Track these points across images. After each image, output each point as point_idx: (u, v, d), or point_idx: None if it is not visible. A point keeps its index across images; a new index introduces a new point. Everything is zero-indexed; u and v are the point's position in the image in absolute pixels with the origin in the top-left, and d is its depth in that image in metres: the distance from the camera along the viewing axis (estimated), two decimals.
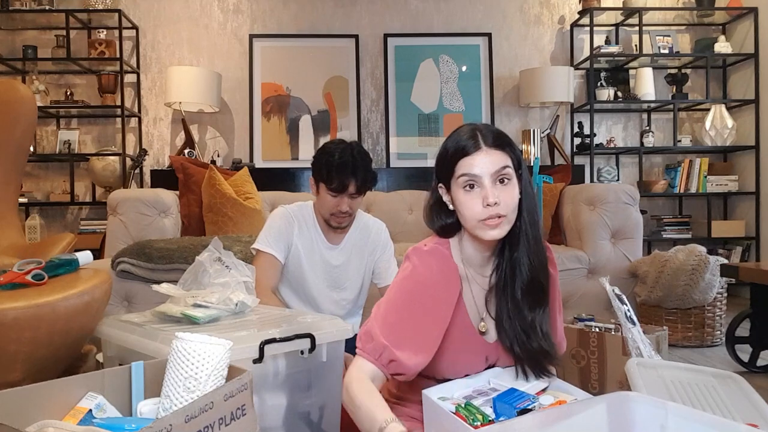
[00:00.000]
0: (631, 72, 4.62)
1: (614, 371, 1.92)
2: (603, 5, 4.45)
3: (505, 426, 0.96)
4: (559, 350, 1.30)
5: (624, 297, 1.81)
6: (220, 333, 1.26)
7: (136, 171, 4.18)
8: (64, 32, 4.21)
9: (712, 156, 4.64)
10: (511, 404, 1.06)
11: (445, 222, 1.23)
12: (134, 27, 4.41)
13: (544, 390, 1.20)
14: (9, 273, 1.54)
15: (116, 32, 4.27)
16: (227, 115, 4.49)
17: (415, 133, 4.47)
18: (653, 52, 4.43)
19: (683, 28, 4.70)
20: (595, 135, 4.38)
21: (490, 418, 1.05)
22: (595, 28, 4.37)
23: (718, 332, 2.93)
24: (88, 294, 1.51)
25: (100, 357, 1.74)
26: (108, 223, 3.01)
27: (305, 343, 1.37)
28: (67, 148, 4.30)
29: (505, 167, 1.14)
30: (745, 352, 2.54)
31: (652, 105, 4.54)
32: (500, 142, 1.16)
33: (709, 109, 4.49)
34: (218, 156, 4.28)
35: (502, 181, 1.14)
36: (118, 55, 4.22)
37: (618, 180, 4.46)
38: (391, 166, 4.38)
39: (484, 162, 1.14)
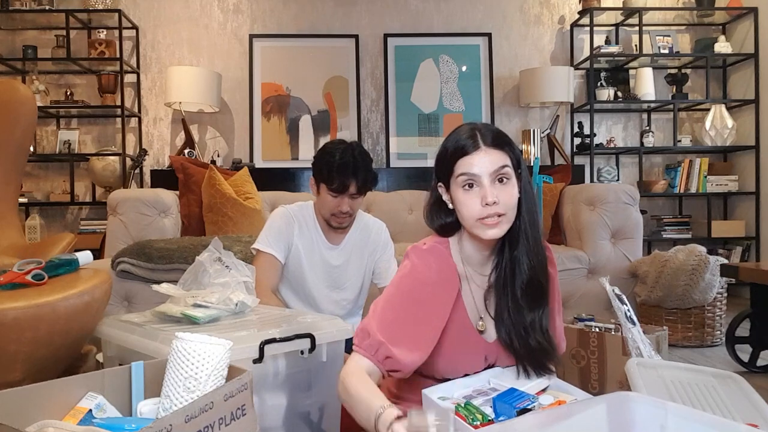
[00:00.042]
0: (631, 72, 4.62)
1: (614, 371, 1.92)
2: (603, 5, 4.45)
3: (505, 426, 0.96)
4: (559, 350, 1.30)
5: (624, 297, 1.81)
6: (220, 333, 1.26)
7: (136, 171, 4.18)
8: (64, 32, 4.21)
9: (712, 156, 4.64)
10: (511, 404, 1.06)
11: (445, 221, 1.24)
12: (134, 27, 4.41)
13: (544, 390, 1.20)
14: (9, 273, 1.54)
15: (116, 32, 4.27)
16: (227, 115, 4.49)
17: (415, 133, 4.47)
18: (653, 52, 4.43)
19: (683, 28, 4.70)
20: (595, 135, 4.38)
21: (489, 418, 1.05)
22: (595, 28, 4.37)
23: (718, 332, 2.93)
24: (88, 294, 1.51)
25: (100, 357, 1.74)
26: (108, 223, 3.01)
27: (305, 343, 1.37)
28: (67, 148, 4.30)
29: (503, 166, 1.15)
30: (745, 352, 2.54)
31: (652, 105, 4.54)
32: (499, 141, 1.16)
33: (709, 109, 4.49)
34: (218, 156, 4.28)
35: (501, 181, 1.15)
36: (118, 55, 4.22)
37: (618, 180, 4.46)
38: (391, 166, 4.38)
39: (483, 161, 1.14)
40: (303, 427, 1.45)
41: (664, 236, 4.38)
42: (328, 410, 1.48)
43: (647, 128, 4.57)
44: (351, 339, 1.39)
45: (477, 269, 1.24)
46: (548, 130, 4.40)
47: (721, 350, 2.81)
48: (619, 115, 4.69)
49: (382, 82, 4.51)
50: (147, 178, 4.40)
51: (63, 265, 1.65)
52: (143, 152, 4.11)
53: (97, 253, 3.48)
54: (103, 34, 4.31)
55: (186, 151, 4.03)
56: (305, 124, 4.43)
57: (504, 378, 1.21)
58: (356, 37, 4.49)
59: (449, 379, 1.22)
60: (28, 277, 1.54)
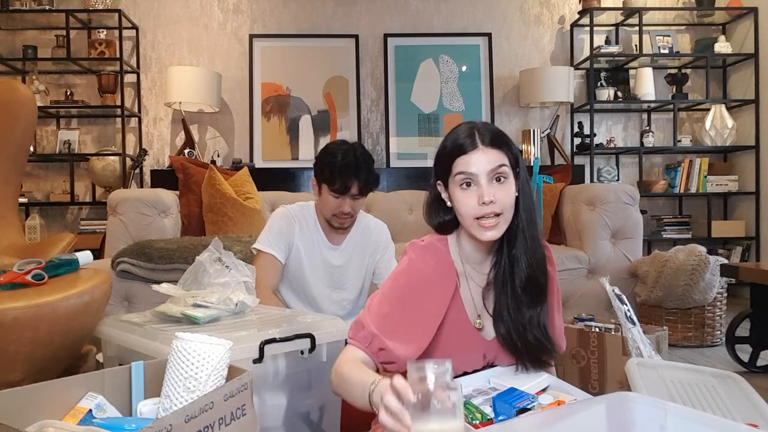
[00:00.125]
0: (631, 72, 4.62)
1: (614, 371, 1.92)
2: (603, 5, 4.45)
3: (505, 426, 0.96)
4: (559, 349, 1.30)
5: (624, 297, 1.81)
6: (220, 333, 1.27)
7: (136, 171, 4.18)
8: (64, 32, 4.21)
9: (712, 156, 4.64)
10: (511, 404, 1.06)
11: (443, 219, 1.24)
12: (134, 27, 4.41)
13: (543, 390, 1.20)
14: (9, 273, 1.54)
15: (116, 32, 4.27)
16: (227, 115, 4.49)
17: (415, 133, 4.47)
18: (653, 52, 4.43)
19: (683, 28, 4.70)
20: (595, 135, 4.38)
21: (489, 417, 1.05)
22: (595, 28, 4.37)
23: (718, 332, 2.93)
24: (88, 294, 1.51)
25: (100, 357, 1.74)
26: (108, 223, 3.01)
27: (305, 343, 1.38)
28: (67, 148, 4.30)
29: (501, 166, 1.15)
30: (745, 352, 2.54)
31: (652, 105, 4.54)
32: (497, 140, 1.17)
33: (709, 109, 4.49)
34: (218, 156, 4.28)
35: (498, 180, 1.15)
36: (118, 55, 4.22)
37: (618, 180, 4.46)
38: (391, 166, 4.38)
39: (480, 161, 1.14)
40: (303, 427, 1.45)
41: (664, 236, 4.38)
42: (328, 410, 1.49)
43: (647, 128, 4.57)
44: None
45: (476, 267, 1.25)
46: (548, 130, 4.40)
47: (721, 350, 2.81)
48: (619, 115, 4.69)
49: (382, 82, 4.51)
50: (147, 178, 4.40)
51: (63, 265, 1.65)
52: (143, 152, 4.11)
53: (97, 253, 3.48)
54: (103, 34, 4.31)
55: (186, 151, 4.03)
56: (305, 124, 4.43)
57: (504, 378, 1.21)
58: (356, 37, 4.49)
59: None
60: (28, 277, 1.54)
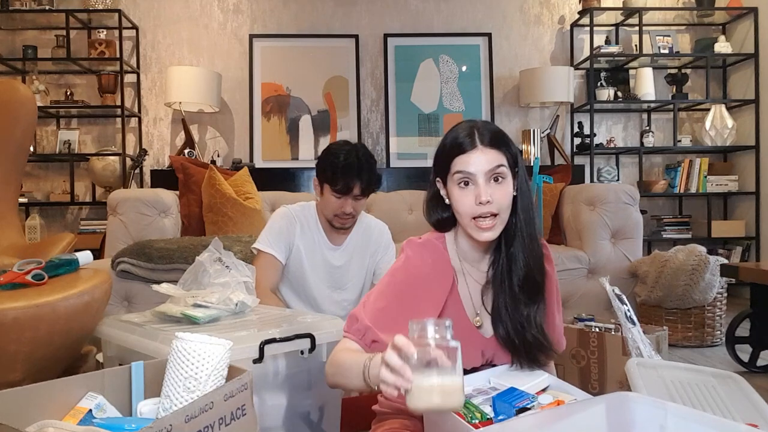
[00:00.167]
0: (631, 72, 4.62)
1: (614, 371, 1.92)
2: (603, 5, 4.45)
3: (505, 426, 0.96)
4: (558, 348, 1.31)
5: (624, 297, 1.81)
6: (220, 333, 1.27)
7: (136, 171, 4.18)
8: (64, 32, 4.21)
9: (712, 156, 4.64)
10: (510, 403, 1.06)
11: (441, 216, 1.25)
12: (134, 27, 4.41)
13: (544, 390, 1.20)
14: (9, 273, 1.54)
15: (116, 32, 4.27)
16: (227, 115, 4.49)
17: (415, 133, 4.47)
18: (653, 52, 4.43)
19: (683, 28, 4.70)
20: (595, 135, 4.38)
21: (488, 417, 1.05)
22: (595, 28, 4.37)
23: (718, 332, 2.93)
24: (88, 294, 1.51)
25: (100, 357, 1.74)
26: (108, 223, 3.01)
27: (305, 343, 1.38)
28: (67, 148, 4.30)
29: (499, 166, 1.16)
30: (745, 352, 2.54)
31: (652, 105, 4.54)
32: (497, 141, 1.17)
33: (709, 109, 4.49)
34: (218, 156, 4.28)
35: (496, 180, 1.16)
36: (118, 55, 4.22)
37: (618, 180, 4.46)
38: (391, 166, 4.38)
39: (479, 161, 1.15)
40: (303, 427, 1.45)
41: (664, 236, 4.38)
42: (328, 410, 1.49)
43: (647, 128, 4.57)
44: None
45: (473, 265, 1.25)
46: (548, 130, 4.40)
47: (721, 350, 2.81)
48: (619, 115, 4.69)
49: (382, 82, 4.51)
50: (147, 178, 4.40)
51: (63, 265, 1.65)
52: (143, 152, 4.11)
53: (97, 253, 3.48)
54: (103, 34, 4.31)
55: (186, 151, 4.03)
56: (305, 124, 4.43)
57: (504, 378, 1.21)
58: (356, 37, 4.49)
59: None
60: (28, 277, 1.54)
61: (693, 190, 4.43)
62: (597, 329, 2.02)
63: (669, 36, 4.55)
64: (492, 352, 1.25)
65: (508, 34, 4.60)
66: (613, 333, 1.98)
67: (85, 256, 1.72)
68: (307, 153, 4.35)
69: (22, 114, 2.13)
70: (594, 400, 1.01)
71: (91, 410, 1.01)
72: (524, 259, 1.20)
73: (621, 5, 4.47)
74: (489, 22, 4.58)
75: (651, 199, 4.58)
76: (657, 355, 1.72)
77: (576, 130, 4.53)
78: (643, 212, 3.29)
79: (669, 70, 4.64)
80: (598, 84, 4.48)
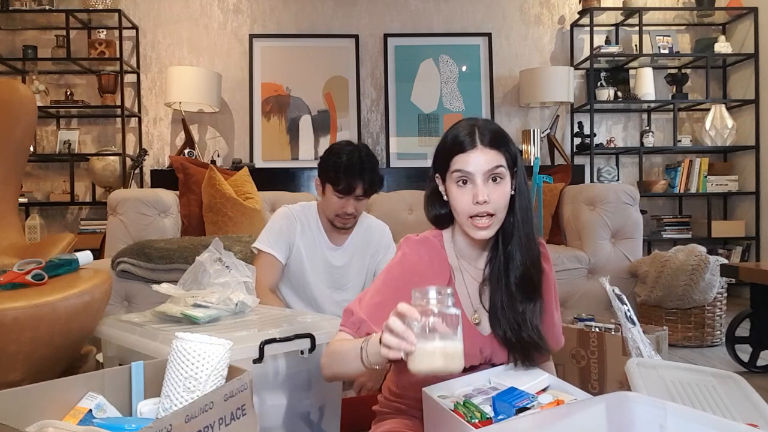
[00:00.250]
0: (631, 72, 4.62)
1: (614, 371, 1.92)
2: (603, 5, 4.45)
3: (504, 426, 0.96)
4: (557, 346, 1.31)
5: (624, 297, 1.81)
6: (220, 333, 1.27)
7: (136, 171, 4.18)
8: (64, 32, 4.21)
9: (712, 156, 4.64)
10: (510, 403, 1.06)
11: (439, 212, 1.26)
12: (134, 27, 4.41)
13: (544, 390, 1.20)
14: (9, 273, 1.54)
15: (116, 32, 4.27)
16: (227, 115, 4.49)
17: (415, 133, 4.47)
18: (653, 52, 4.43)
19: (683, 28, 4.70)
20: (595, 135, 4.38)
21: (488, 416, 1.05)
22: (595, 28, 4.37)
23: (718, 332, 2.93)
24: (88, 294, 1.51)
25: (100, 357, 1.74)
26: (108, 223, 3.01)
27: (305, 343, 1.38)
28: (67, 148, 4.30)
29: (498, 167, 1.16)
30: (745, 352, 2.54)
31: (652, 105, 4.54)
32: (496, 141, 1.17)
33: (709, 109, 4.49)
34: (218, 156, 4.28)
35: (494, 180, 1.16)
36: (118, 55, 4.22)
37: (618, 180, 4.46)
38: (391, 166, 4.38)
39: (478, 160, 1.15)
40: (303, 427, 1.45)
41: (664, 236, 4.38)
42: (328, 410, 1.49)
43: (647, 128, 4.57)
44: None
45: (471, 262, 1.26)
46: (548, 130, 4.40)
47: (721, 350, 2.81)
48: (619, 115, 4.69)
49: (382, 82, 4.51)
50: (147, 178, 4.40)
51: (63, 265, 1.65)
52: (143, 152, 4.11)
53: (97, 253, 3.48)
54: (103, 34, 4.31)
55: (186, 151, 4.03)
56: (305, 124, 4.43)
57: (504, 377, 1.21)
58: (356, 37, 4.49)
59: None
60: (28, 277, 1.54)
61: (693, 190, 4.43)
62: (597, 329, 2.02)
63: (669, 36, 4.55)
64: (490, 350, 1.25)
65: (508, 34, 4.60)
66: (613, 333, 1.98)
67: (85, 256, 1.72)
68: (307, 153, 4.35)
69: (22, 114, 2.13)
70: (594, 400, 1.01)
71: (91, 410, 1.01)
72: (521, 257, 1.20)
73: (621, 5, 4.47)
74: (489, 22, 4.58)
75: (651, 199, 4.58)
76: (657, 355, 1.72)
77: (576, 130, 4.53)
78: (643, 212, 3.29)
79: (669, 70, 4.64)
80: (598, 84, 4.49)
